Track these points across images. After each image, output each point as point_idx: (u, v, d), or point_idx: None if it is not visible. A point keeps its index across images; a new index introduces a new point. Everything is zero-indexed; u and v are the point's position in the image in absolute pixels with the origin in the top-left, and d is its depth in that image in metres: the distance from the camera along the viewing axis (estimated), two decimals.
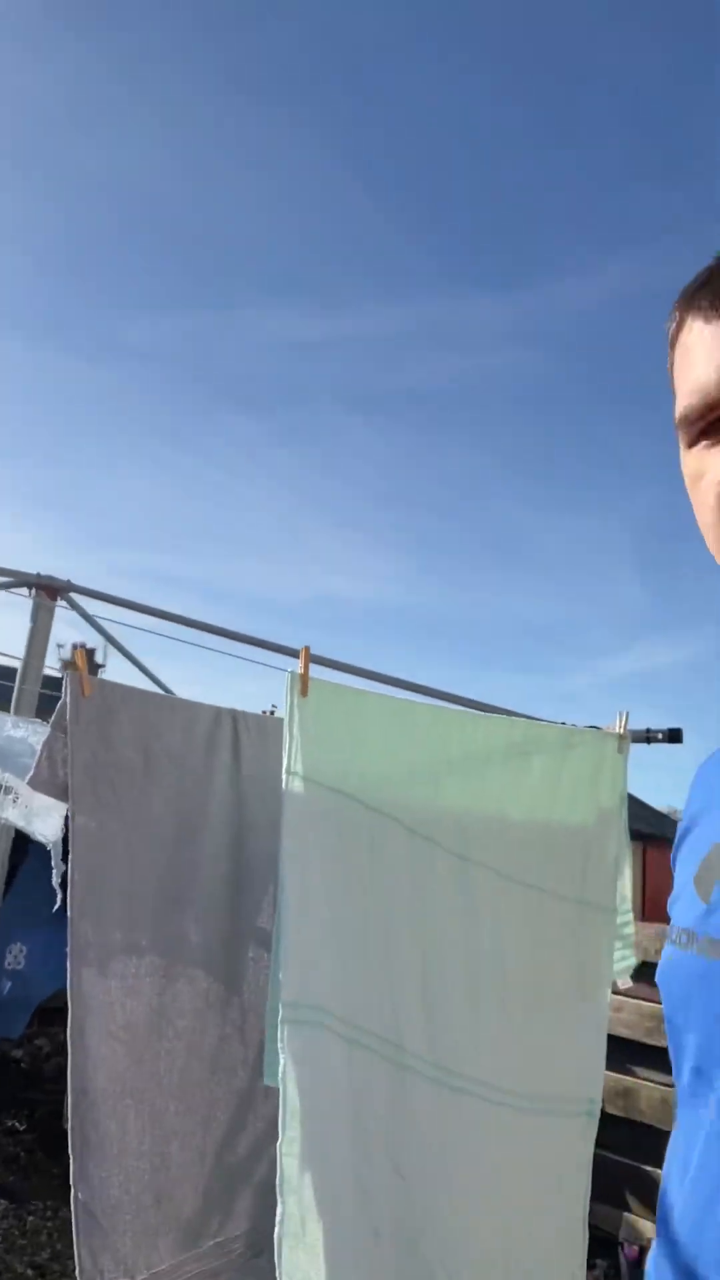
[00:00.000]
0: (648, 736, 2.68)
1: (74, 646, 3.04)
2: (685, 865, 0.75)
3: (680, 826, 0.80)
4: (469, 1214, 2.07)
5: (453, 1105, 2.10)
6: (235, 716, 2.38)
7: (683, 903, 0.74)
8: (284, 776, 2.01)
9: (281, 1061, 1.82)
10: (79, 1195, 2.03)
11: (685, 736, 2.77)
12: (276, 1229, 1.74)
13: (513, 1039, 2.20)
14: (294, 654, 2.13)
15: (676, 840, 0.80)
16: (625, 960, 2.46)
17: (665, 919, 0.79)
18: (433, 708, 2.22)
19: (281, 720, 2.49)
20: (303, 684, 2.05)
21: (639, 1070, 3.47)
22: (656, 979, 0.74)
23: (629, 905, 2.49)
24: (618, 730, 2.55)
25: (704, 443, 0.67)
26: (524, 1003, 2.23)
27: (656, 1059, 3.40)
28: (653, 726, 2.69)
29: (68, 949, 2.02)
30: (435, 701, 3.11)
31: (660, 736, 2.69)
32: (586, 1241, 2.23)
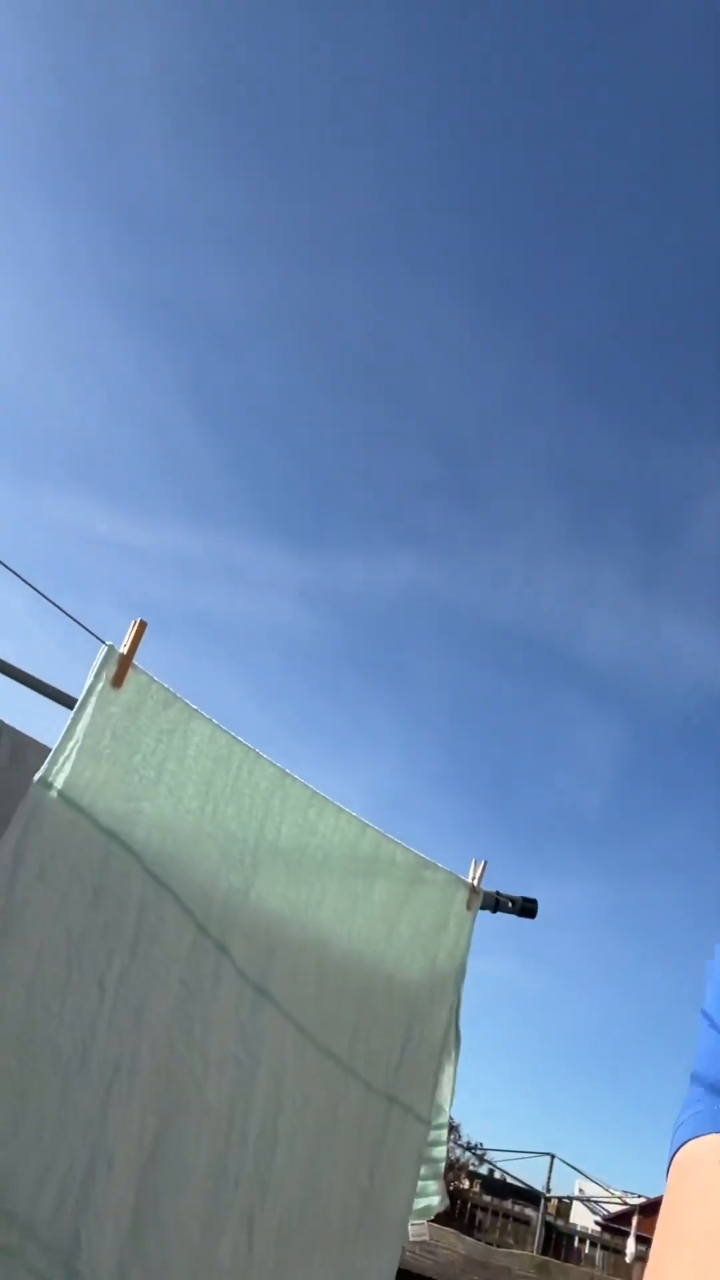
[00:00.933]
0: (497, 901, 2.14)
1: None
2: None
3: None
4: None
5: None
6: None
7: None
8: (32, 787, 1.33)
9: None
10: None
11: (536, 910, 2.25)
12: None
13: None
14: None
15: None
16: (428, 1199, 1.77)
17: None
18: (278, 769, 1.62)
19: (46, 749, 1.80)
20: (121, 667, 1.42)
21: None
22: None
23: (445, 1122, 1.84)
24: (471, 879, 2.02)
25: None
26: (283, 1230, 1.49)
27: None
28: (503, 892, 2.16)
29: None
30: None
31: (511, 905, 2.16)
32: None
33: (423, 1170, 1.76)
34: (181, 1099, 1.41)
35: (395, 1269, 1.66)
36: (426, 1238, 1.77)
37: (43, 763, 1.46)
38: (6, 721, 1.71)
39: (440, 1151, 1.81)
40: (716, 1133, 0.46)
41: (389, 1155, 1.69)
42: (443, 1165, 1.82)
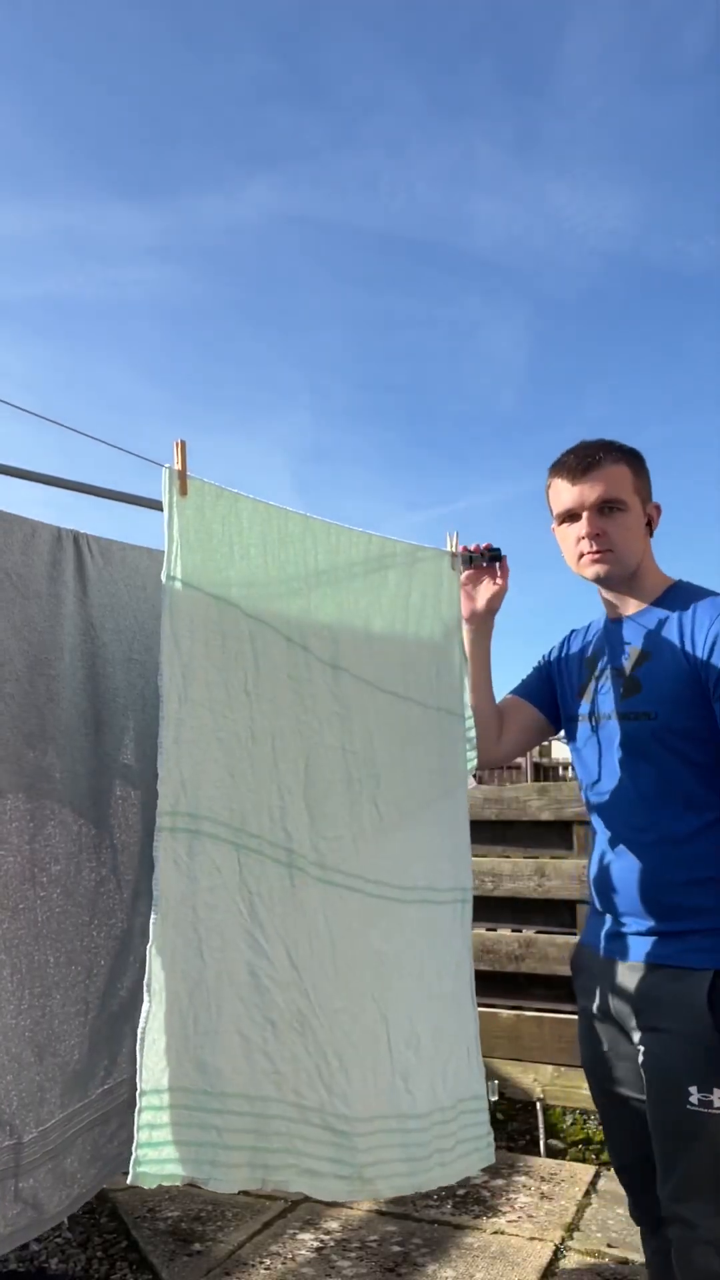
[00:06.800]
0: (470, 557, 2.79)
1: None
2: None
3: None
4: (359, 999, 2.13)
5: (338, 900, 2.12)
6: (77, 537, 2.14)
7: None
8: (164, 583, 1.87)
9: (156, 866, 1.76)
10: None
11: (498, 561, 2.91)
12: (141, 1026, 1.70)
13: (388, 836, 2.27)
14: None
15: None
16: (471, 761, 2.61)
17: None
18: (301, 516, 2.15)
19: (127, 546, 2.30)
20: (181, 481, 1.89)
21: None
22: None
23: (470, 712, 2.63)
24: (449, 549, 2.64)
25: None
26: (395, 801, 2.30)
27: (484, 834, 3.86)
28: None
29: None
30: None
31: (481, 557, 2.81)
32: (476, 1019, 2.40)
33: (466, 745, 2.57)
34: (315, 742, 2.11)
35: (467, 805, 2.53)
36: (478, 784, 2.64)
37: (121, 557, 2.00)
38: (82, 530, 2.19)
39: (472, 732, 2.62)
40: None
41: (447, 738, 2.48)
42: (475, 739, 2.64)
